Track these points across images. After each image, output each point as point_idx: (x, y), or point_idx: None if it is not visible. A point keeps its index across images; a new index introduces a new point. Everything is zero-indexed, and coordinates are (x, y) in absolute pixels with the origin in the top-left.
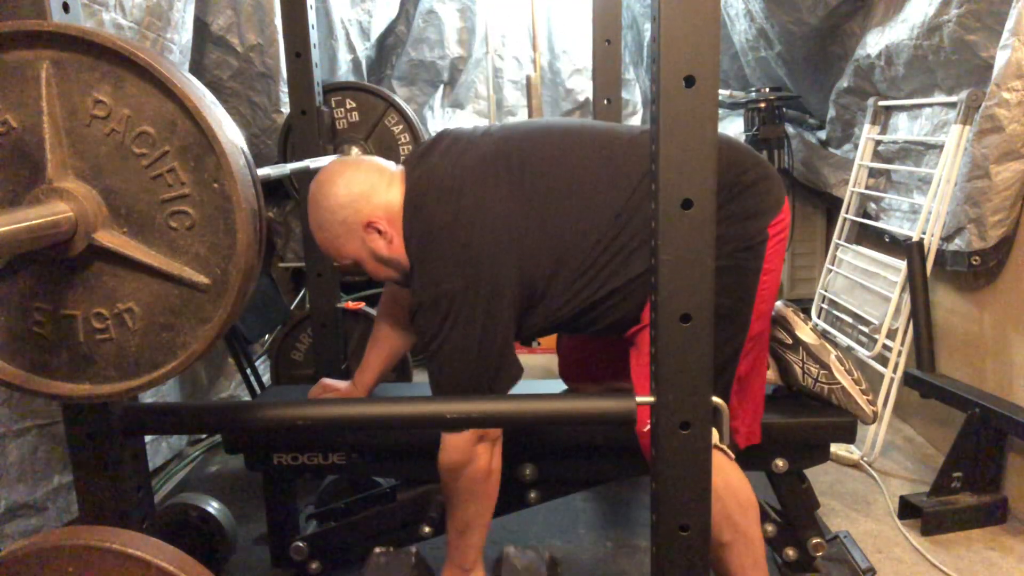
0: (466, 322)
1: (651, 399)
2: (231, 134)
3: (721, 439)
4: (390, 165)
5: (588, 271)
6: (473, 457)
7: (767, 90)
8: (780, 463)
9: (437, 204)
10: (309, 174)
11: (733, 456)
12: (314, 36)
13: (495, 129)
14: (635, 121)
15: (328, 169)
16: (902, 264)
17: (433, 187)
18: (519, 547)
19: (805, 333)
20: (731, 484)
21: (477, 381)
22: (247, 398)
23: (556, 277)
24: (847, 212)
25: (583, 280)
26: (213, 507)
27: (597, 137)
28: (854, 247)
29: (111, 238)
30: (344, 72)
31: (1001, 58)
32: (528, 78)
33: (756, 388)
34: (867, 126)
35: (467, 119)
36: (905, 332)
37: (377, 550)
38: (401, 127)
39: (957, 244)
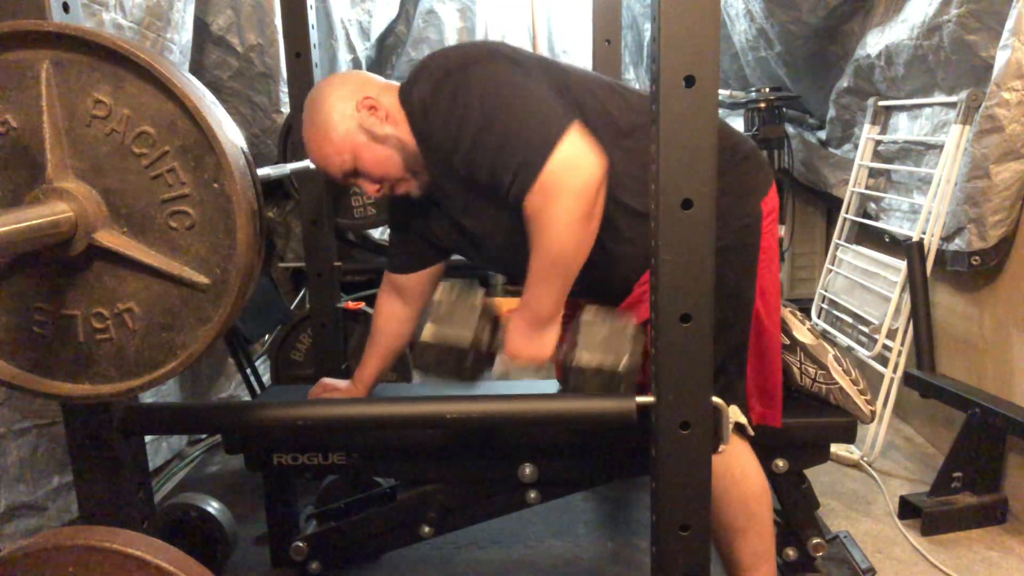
0: (497, 86)
1: (651, 399)
2: (231, 134)
3: (723, 439)
4: (384, 79)
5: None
6: (570, 186)
7: (767, 90)
8: (780, 463)
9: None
10: (309, 174)
11: (753, 433)
12: (314, 36)
13: None
14: None
15: (323, 79)
16: (902, 264)
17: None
18: (595, 309)
19: (802, 333)
20: (748, 471)
21: (544, 132)
22: (247, 398)
23: None
24: (847, 212)
25: None
26: (213, 507)
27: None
28: (854, 247)
29: (111, 238)
30: None
31: (1001, 58)
32: None
33: (769, 368)
34: (867, 126)
35: None
36: (905, 332)
37: (443, 284)
38: None
39: (957, 244)
